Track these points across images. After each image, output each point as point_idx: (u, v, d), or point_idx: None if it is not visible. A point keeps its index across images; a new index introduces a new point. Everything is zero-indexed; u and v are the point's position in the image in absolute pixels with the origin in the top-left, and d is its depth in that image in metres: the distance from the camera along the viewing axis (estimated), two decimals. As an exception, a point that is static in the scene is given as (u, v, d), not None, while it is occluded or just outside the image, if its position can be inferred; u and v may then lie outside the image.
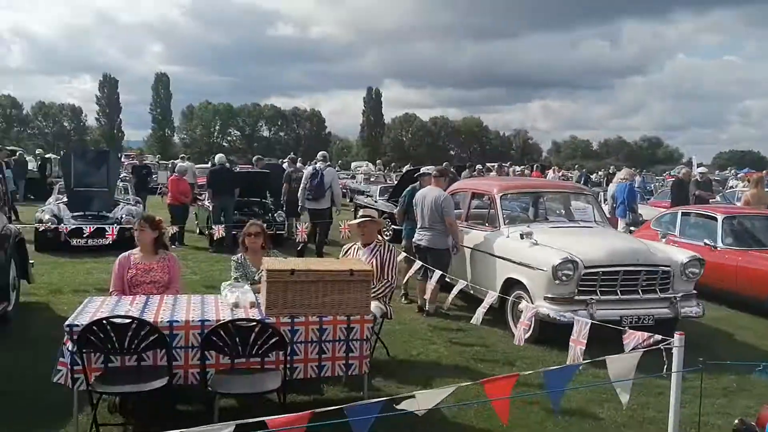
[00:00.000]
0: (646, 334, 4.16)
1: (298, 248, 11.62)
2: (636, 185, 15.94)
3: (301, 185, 12.57)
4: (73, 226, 12.26)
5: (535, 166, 30.55)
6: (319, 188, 12.10)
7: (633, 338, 4.25)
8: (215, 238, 12.72)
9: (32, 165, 27.25)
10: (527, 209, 9.30)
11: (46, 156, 29.63)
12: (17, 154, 25.91)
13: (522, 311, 6.47)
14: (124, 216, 13.19)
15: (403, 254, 8.44)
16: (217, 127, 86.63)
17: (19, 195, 20.39)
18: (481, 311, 6.02)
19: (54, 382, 4.44)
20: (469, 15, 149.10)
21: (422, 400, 3.31)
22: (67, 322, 4.45)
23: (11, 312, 7.31)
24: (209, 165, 24.18)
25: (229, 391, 4.40)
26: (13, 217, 11.63)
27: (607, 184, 21.82)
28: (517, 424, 4.70)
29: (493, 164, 27.37)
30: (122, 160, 29.67)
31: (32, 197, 22.52)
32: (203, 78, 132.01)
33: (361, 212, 7.36)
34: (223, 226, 12.40)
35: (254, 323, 4.36)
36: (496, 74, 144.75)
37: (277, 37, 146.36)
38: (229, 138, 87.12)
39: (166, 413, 4.50)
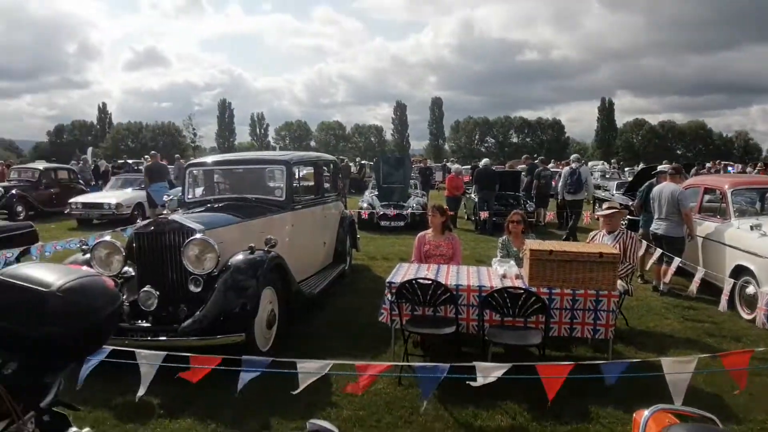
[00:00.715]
0: None
1: (563, 237, 11.31)
2: None
3: (561, 181, 12.29)
4: (382, 212, 13.37)
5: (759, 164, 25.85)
6: (578, 183, 11.78)
7: None
8: (481, 220, 12.97)
9: (353, 168, 30.10)
10: (755, 203, 7.93)
11: (362, 162, 32.60)
12: (344, 161, 28.87)
13: (750, 294, 5.98)
14: (414, 205, 13.93)
15: (645, 243, 7.74)
16: (477, 137, 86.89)
17: (345, 190, 22.66)
18: (724, 299, 5.40)
19: (379, 321, 4.93)
20: (691, 30, 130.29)
21: (668, 366, 3.05)
22: (387, 279, 4.81)
23: (347, 270, 8.06)
24: (470, 167, 24.66)
25: (500, 341, 4.45)
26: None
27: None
28: (744, 391, 4.09)
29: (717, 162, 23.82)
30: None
31: (353, 191, 24.86)
32: (466, 98, 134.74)
33: (606, 204, 6.88)
34: (486, 213, 12.66)
35: (521, 291, 4.36)
36: (717, 82, 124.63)
37: (524, 61, 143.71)
38: (486, 145, 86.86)
39: (453, 352, 4.66)
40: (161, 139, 73.82)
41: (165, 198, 8.85)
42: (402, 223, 13.07)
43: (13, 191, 15.30)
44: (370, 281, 7.91)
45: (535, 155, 21.34)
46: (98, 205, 14.10)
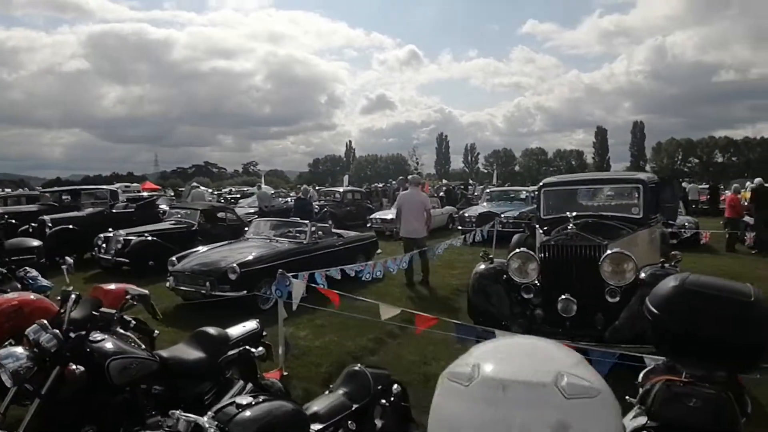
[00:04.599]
0: None
1: None
2: None
3: None
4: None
5: None
6: None
7: None
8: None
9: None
10: None
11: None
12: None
13: None
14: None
15: None
16: (680, 157, 75.68)
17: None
18: None
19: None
20: None
21: None
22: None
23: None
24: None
25: None
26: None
27: None
28: None
29: None
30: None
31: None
32: (661, 121, 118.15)
33: None
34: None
35: None
36: None
37: (720, 82, 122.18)
38: (689, 165, 74.86)
39: None
40: (392, 167, 78.58)
41: None
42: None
43: (325, 209, 17.37)
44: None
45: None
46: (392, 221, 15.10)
